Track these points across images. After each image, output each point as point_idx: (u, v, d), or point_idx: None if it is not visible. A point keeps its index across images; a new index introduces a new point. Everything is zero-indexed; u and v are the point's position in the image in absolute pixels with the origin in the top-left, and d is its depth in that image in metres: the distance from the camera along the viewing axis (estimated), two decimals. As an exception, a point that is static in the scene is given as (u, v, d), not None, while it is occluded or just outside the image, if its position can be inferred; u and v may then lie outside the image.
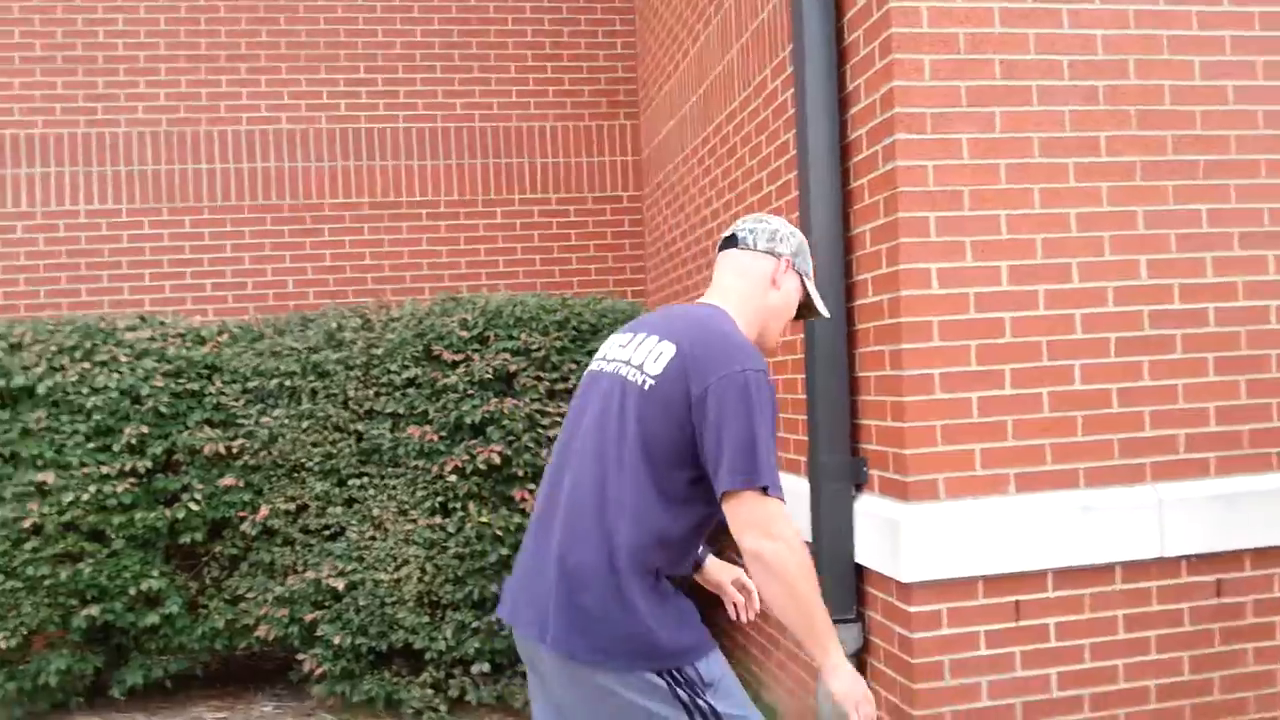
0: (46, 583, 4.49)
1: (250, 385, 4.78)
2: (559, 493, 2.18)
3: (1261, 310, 3.42)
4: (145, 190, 6.47)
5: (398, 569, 4.51)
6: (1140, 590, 3.28)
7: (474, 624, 4.48)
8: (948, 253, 3.20)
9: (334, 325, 4.84)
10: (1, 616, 4.49)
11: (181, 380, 4.71)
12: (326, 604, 4.57)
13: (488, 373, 4.52)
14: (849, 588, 3.48)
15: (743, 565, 2.20)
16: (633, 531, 2.05)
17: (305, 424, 4.68)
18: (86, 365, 4.60)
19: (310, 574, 4.54)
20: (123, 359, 4.65)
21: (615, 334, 2.34)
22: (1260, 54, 3.43)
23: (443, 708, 4.51)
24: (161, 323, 4.92)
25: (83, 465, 4.52)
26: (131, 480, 4.57)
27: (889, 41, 3.22)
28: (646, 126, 6.75)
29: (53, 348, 4.62)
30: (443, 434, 4.54)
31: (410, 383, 4.64)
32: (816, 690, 3.63)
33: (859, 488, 3.49)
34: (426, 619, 4.51)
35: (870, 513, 3.35)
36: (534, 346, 4.60)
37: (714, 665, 2.13)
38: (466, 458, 4.48)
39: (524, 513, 4.49)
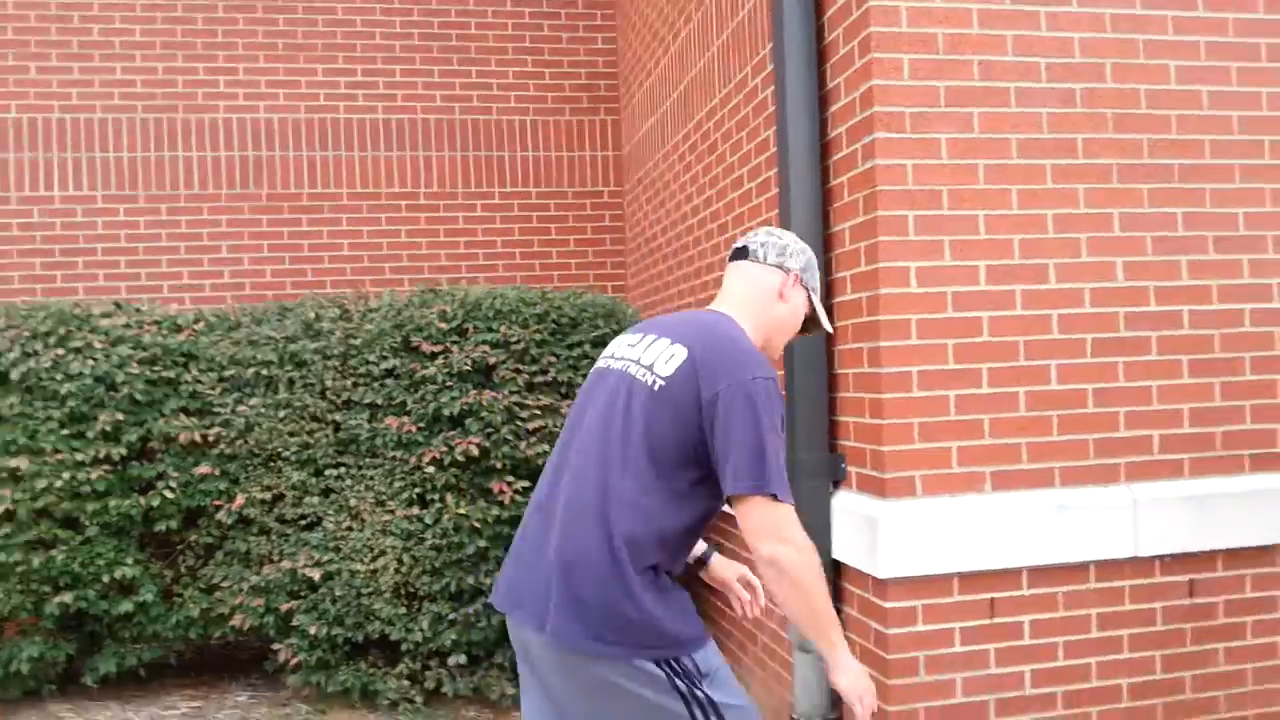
0: (19, 569, 4.46)
1: (227, 374, 4.76)
2: (560, 485, 2.21)
3: (1236, 313, 3.46)
4: (121, 177, 6.41)
5: (374, 560, 4.50)
6: (1114, 589, 3.31)
7: (451, 615, 4.48)
8: (926, 251, 3.23)
9: (312, 315, 4.82)
10: (-28, 603, 4.47)
11: (157, 368, 4.68)
12: (302, 594, 4.56)
13: (466, 365, 4.52)
14: (826, 583, 3.49)
15: (746, 561, 2.23)
16: (633, 527, 2.08)
17: (282, 413, 4.66)
18: (61, 351, 4.56)
19: (286, 564, 4.53)
20: (97, 345, 4.62)
21: (624, 334, 2.39)
22: (1234, 60, 3.46)
23: (419, 699, 4.51)
24: (137, 310, 4.88)
25: (56, 451, 4.49)
26: (106, 467, 4.54)
27: (868, 40, 3.23)
28: (627, 121, 6.75)
29: (26, 333, 4.58)
30: (421, 425, 4.53)
31: (388, 373, 4.64)
32: (789, 628, 3.64)
33: (837, 484, 3.51)
34: (403, 610, 4.50)
35: (848, 509, 3.37)
36: (513, 339, 4.59)
37: (711, 656, 2.18)
38: (445, 449, 4.47)
39: (502, 505, 4.49)
